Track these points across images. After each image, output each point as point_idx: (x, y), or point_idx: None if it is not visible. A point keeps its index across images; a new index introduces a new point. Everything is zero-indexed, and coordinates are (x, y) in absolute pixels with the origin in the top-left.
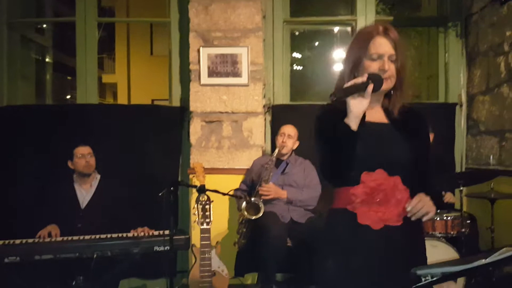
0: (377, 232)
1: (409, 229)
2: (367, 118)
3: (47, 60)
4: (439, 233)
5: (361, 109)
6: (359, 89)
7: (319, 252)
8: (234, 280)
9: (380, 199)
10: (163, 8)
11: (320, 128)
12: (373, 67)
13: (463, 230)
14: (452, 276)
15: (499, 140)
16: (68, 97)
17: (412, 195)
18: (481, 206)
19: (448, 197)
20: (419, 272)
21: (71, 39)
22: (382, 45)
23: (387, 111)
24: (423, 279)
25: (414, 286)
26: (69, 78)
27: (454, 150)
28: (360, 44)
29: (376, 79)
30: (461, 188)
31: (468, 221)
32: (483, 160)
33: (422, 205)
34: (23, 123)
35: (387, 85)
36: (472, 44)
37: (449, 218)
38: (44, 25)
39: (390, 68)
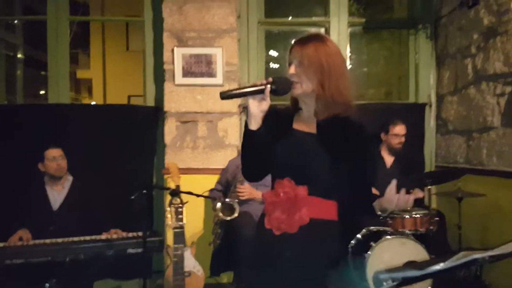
0: (276, 237)
1: (306, 237)
2: (295, 126)
3: (18, 56)
4: (409, 230)
5: (259, 109)
6: (257, 91)
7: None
8: (210, 280)
9: (284, 207)
10: (138, 5)
11: None
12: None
13: (431, 227)
14: (412, 280)
15: (467, 139)
16: (42, 92)
17: (340, 204)
18: (449, 203)
19: (415, 193)
20: (381, 276)
21: (43, 35)
22: (294, 52)
23: (320, 122)
24: (384, 284)
25: None
26: (42, 73)
27: (423, 149)
28: (288, 55)
29: (280, 82)
30: (429, 187)
31: (437, 219)
32: (451, 158)
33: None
34: None
35: (297, 90)
36: (441, 46)
37: (418, 215)
38: (16, 21)
39: (297, 73)
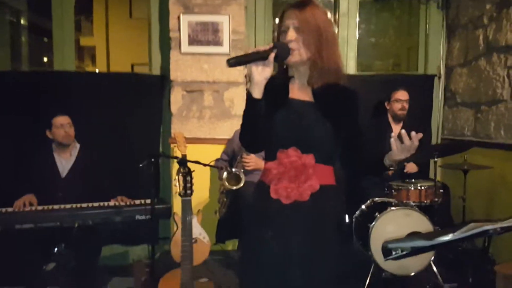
0: (286, 206)
1: (318, 204)
2: (291, 95)
3: (22, 22)
4: (413, 201)
5: (262, 76)
6: (261, 57)
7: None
8: (216, 247)
9: (291, 176)
10: None
11: None
12: (283, 38)
13: (436, 199)
14: (421, 250)
15: (475, 112)
16: (45, 59)
17: (344, 168)
18: (454, 176)
19: (409, 167)
20: (390, 245)
21: (47, 1)
22: (289, 17)
23: (315, 90)
24: (393, 253)
25: (385, 258)
26: (45, 40)
27: (430, 120)
28: (279, 18)
29: (281, 48)
30: (436, 159)
31: (441, 191)
32: (458, 131)
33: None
34: None
35: (295, 57)
36: (452, 16)
37: (423, 187)
38: None
39: (296, 39)
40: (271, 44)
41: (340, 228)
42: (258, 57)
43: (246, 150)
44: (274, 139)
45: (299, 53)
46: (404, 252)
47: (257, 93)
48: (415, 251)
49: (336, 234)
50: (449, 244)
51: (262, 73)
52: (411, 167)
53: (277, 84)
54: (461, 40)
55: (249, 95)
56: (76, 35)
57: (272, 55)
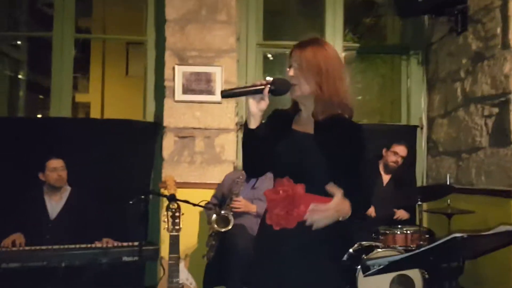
0: (275, 232)
1: (303, 232)
2: (294, 127)
3: (20, 77)
4: (400, 246)
5: (258, 108)
6: (255, 91)
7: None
8: None
9: (283, 204)
10: (139, 29)
11: None
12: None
13: (421, 243)
14: (399, 265)
15: (456, 160)
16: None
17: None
18: (439, 221)
19: (399, 214)
20: (368, 262)
21: (45, 57)
22: (293, 55)
23: (317, 123)
24: (371, 268)
25: (364, 274)
26: (40, 97)
27: (415, 170)
28: (288, 56)
29: (279, 83)
30: (419, 203)
31: (427, 236)
32: (442, 179)
33: (314, 215)
34: None
35: (296, 92)
36: (432, 71)
37: (408, 232)
38: (18, 42)
39: (296, 75)
40: (270, 79)
41: (331, 256)
42: (251, 90)
43: (247, 175)
44: (274, 168)
45: (299, 88)
46: (381, 267)
47: (253, 124)
48: (393, 266)
49: (325, 263)
50: (425, 258)
51: (258, 105)
52: (401, 214)
53: (284, 116)
54: (441, 92)
55: (245, 126)
56: (72, 92)
57: (267, 89)
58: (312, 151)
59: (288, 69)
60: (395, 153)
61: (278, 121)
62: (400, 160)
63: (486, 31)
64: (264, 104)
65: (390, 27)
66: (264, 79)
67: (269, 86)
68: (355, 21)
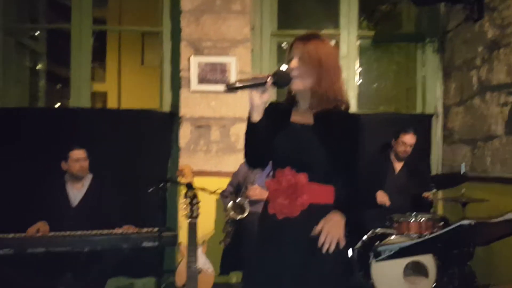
0: (279, 222)
1: (307, 221)
2: (293, 119)
3: (39, 67)
4: (414, 233)
5: (261, 101)
6: (258, 84)
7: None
8: (219, 278)
9: (286, 193)
10: (155, 19)
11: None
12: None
13: (435, 230)
14: (409, 251)
15: (472, 148)
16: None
17: (336, 189)
18: (454, 209)
19: (380, 196)
20: (379, 248)
21: (63, 49)
22: (295, 48)
23: (316, 114)
24: (382, 254)
25: (376, 259)
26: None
27: (430, 158)
28: (288, 48)
29: (280, 76)
30: (434, 190)
31: (441, 223)
32: (457, 167)
33: (326, 236)
34: (19, 124)
35: (297, 84)
36: (447, 59)
37: (423, 219)
38: (37, 33)
39: (297, 68)
40: (271, 72)
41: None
42: (255, 83)
43: (248, 166)
44: (274, 159)
45: (300, 81)
46: (392, 252)
47: (256, 116)
48: (403, 252)
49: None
50: (434, 244)
51: (260, 97)
52: (381, 196)
53: (281, 109)
54: (457, 80)
55: (248, 118)
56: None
57: (269, 82)
58: (312, 142)
59: (287, 62)
60: (403, 143)
61: (276, 113)
62: (409, 149)
63: (502, 18)
64: (266, 96)
65: (405, 15)
66: (278, 68)
67: (271, 78)
68: (371, 9)
